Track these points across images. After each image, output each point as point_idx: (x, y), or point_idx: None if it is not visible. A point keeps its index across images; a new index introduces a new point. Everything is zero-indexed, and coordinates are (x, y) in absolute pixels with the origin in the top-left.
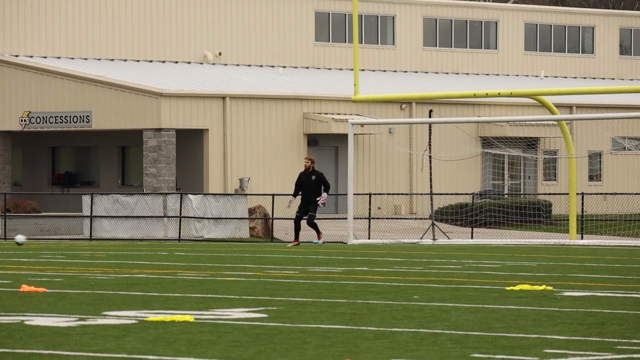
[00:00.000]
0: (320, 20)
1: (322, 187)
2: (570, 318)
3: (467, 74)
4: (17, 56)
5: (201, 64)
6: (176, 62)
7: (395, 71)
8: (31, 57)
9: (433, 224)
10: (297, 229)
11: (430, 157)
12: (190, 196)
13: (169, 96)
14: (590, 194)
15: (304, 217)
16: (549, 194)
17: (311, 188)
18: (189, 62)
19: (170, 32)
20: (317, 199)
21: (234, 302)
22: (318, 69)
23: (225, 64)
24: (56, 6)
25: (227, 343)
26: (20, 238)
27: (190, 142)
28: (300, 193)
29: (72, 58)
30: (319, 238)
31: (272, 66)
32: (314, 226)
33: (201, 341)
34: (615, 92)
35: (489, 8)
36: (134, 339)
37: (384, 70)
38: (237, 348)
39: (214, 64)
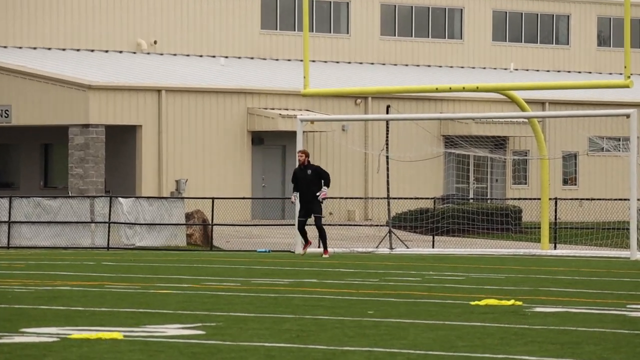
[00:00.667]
0: (267, 6)
1: (322, 181)
2: (542, 336)
3: (429, 66)
4: None
5: (134, 53)
6: (106, 52)
7: (349, 62)
8: None
9: (390, 232)
10: (303, 233)
11: (387, 157)
12: (121, 200)
13: (97, 89)
14: (564, 199)
15: (305, 219)
16: (519, 198)
17: (308, 185)
18: (120, 52)
19: (100, 18)
20: (317, 194)
21: (168, 318)
22: (264, 59)
23: (161, 54)
24: None
25: None
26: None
27: (121, 139)
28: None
29: None
30: (304, 248)
31: (213, 56)
32: (319, 229)
33: None
34: (592, 87)
35: None
36: (55, 359)
37: (337, 62)
38: None
39: (148, 53)
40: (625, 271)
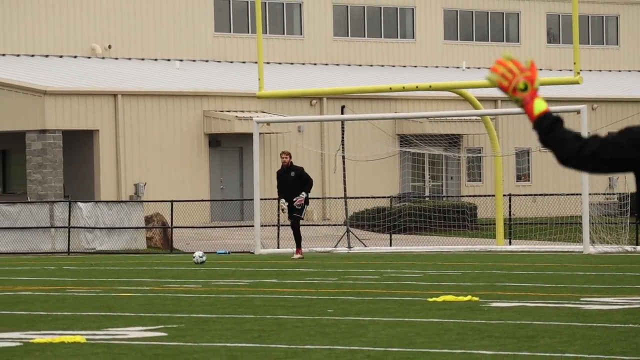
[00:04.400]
0: (220, 8)
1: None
2: (498, 331)
3: (382, 66)
4: None
5: (89, 58)
6: (61, 57)
7: (303, 64)
8: None
9: (348, 231)
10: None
11: (343, 157)
12: (80, 204)
13: (53, 94)
14: (518, 195)
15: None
16: (474, 196)
17: (292, 187)
18: (75, 57)
19: (54, 22)
20: (294, 199)
21: (130, 320)
22: (219, 62)
23: (116, 58)
24: None
25: None
26: (198, 257)
27: (79, 144)
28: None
29: None
30: (297, 252)
31: (168, 60)
32: (294, 229)
33: None
34: (544, 84)
35: None
36: None
37: (292, 63)
38: None
39: (103, 57)
40: (579, 265)
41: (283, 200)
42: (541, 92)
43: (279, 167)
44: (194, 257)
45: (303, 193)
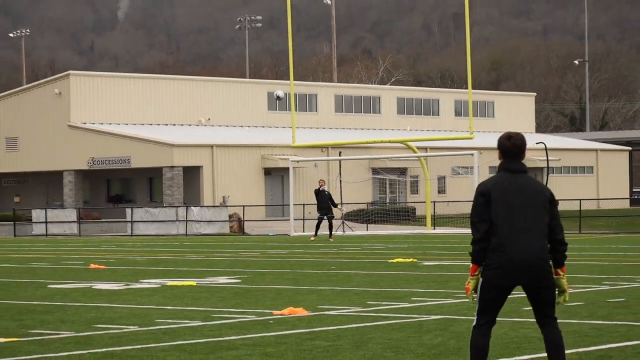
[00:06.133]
0: (270, 96)
1: (333, 200)
2: (428, 279)
3: (362, 129)
4: (84, 123)
5: (197, 125)
6: (182, 125)
7: (317, 128)
8: (93, 124)
9: (343, 222)
10: (317, 228)
11: (340, 181)
12: (192, 207)
13: (177, 146)
14: (439, 201)
15: (322, 219)
16: (414, 202)
17: (325, 199)
18: (190, 125)
19: (178, 104)
20: (337, 204)
21: (221, 273)
22: (269, 127)
23: (212, 125)
24: (107, 93)
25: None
26: (280, 93)
27: (191, 174)
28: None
29: (118, 124)
30: (313, 237)
31: (241, 126)
32: (330, 222)
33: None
34: (451, 139)
35: (375, 88)
36: (159, 296)
37: (311, 128)
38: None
39: (205, 125)
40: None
41: (340, 206)
42: (452, 143)
43: (305, 188)
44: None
45: (336, 204)
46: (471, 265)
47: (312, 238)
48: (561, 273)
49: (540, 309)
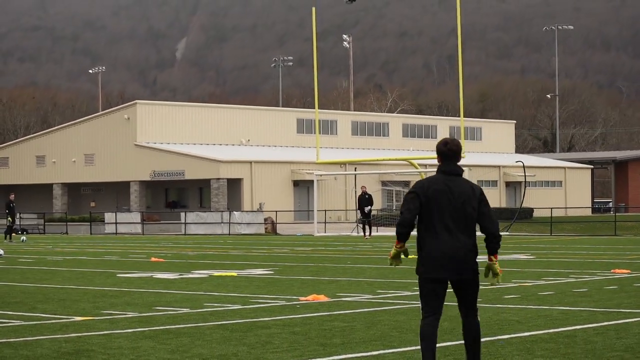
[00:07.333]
0: (300, 122)
1: (371, 204)
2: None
3: (374, 149)
4: (147, 143)
5: (239, 145)
6: (227, 145)
7: (337, 148)
8: (154, 143)
9: (357, 225)
10: (363, 229)
11: (355, 192)
12: (234, 212)
13: (223, 162)
14: None
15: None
16: None
17: (366, 203)
18: (233, 144)
19: (224, 126)
20: (369, 208)
21: (257, 266)
22: (298, 147)
23: (252, 145)
24: (166, 118)
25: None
26: None
27: (234, 185)
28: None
29: (175, 143)
30: (365, 236)
31: (275, 146)
32: (369, 223)
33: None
34: None
35: (384, 116)
36: (207, 284)
37: (332, 147)
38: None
39: (245, 145)
40: None
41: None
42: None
43: (327, 196)
44: None
45: (370, 206)
46: (396, 240)
47: (366, 238)
48: (494, 259)
49: (464, 302)
